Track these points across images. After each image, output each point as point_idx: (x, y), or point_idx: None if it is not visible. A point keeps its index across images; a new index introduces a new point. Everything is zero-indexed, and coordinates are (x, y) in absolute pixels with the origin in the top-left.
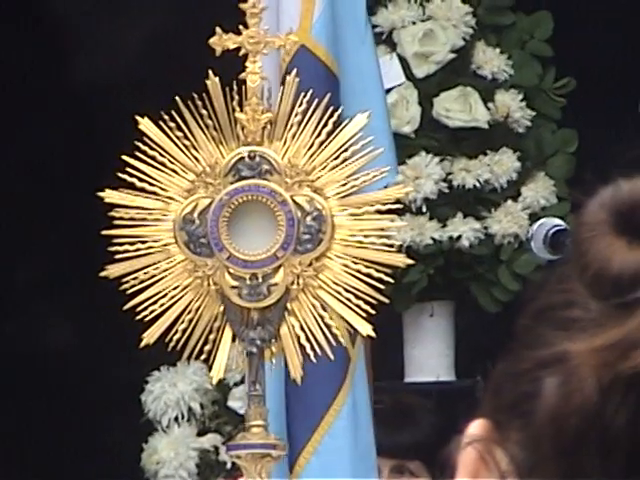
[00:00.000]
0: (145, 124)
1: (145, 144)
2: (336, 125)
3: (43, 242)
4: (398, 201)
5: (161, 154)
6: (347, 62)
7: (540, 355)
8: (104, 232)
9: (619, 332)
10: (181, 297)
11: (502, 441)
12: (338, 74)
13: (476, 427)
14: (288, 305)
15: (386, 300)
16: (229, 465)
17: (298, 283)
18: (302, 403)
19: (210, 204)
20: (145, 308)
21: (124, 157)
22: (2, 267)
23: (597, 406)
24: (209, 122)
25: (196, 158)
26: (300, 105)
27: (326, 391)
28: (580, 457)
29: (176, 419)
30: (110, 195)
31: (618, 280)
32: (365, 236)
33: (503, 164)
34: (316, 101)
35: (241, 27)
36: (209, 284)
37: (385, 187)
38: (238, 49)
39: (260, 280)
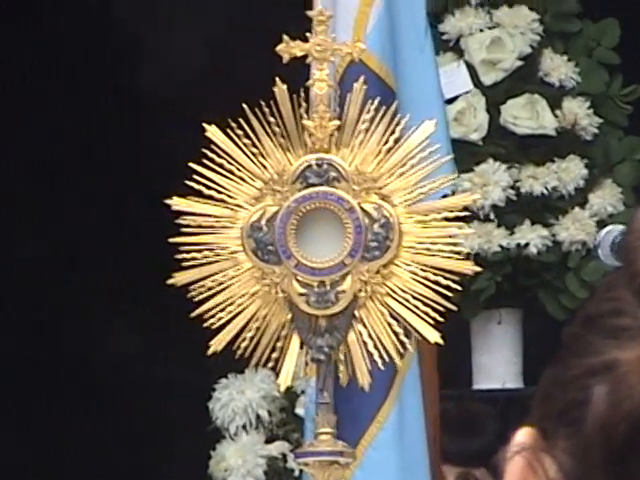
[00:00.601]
0: (213, 132)
1: (213, 152)
2: (402, 133)
3: (110, 249)
4: (466, 208)
5: (229, 162)
6: (405, 71)
7: (589, 363)
8: (172, 240)
9: None
10: (249, 305)
11: (550, 449)
12: (393, 84)
13: (523, 435)
14: (356, 312)
15: (454, 307)
16: (297, 472)
17: (366, 290)
18: (346, 414)
19: (278, 211)
20: (213, 315)
21: (192, 165)
22: (70, 274)
23: None
24: (277, 129)
25: (264, 165)
26: (367, 113)
27: (370, 403)
28: (629, 465)
29: (244, 426)
30: (178, 203)
31: None
32: (433, 243)
33: (570, 171)
34: (383, 109)
35: (308, 35)
36: (277, 292)
37: (446, 195)
38: (305, 57)
39: (328, 287)
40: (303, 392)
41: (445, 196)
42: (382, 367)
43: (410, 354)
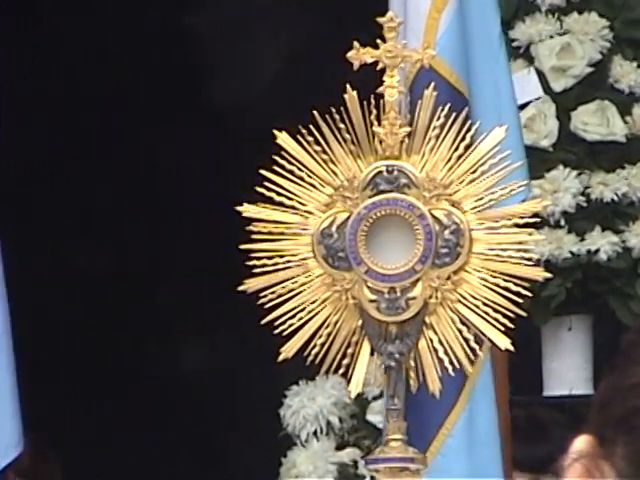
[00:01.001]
0: (283, 138)
1: (283, 158)
2: (472, 139)
3: (182, 257)
4: (536, 215)
5: (299, 168)
6: (479, 79)
7: None
8: (243, 246)
9: None
10: (319, 311)
11: (608, 456)
12: (464, 90)
13: (581, 442)
14: (426, 319)
15: (524, 314)
16: (368, 479)
17: (436, 297)
18: (416, 421)
19: (348, 218)
20: (283, 322)
21: (263, 171)
22: (146, 289)
23: None
24: (347, 136)
25: (334, 172)
26: (438, 119)
27: (439, 410)
28: None
29: (315, 433)
30: (249, 209)
31: None
32: (503, 250)
33: None
34: (454, 115)
35: (378, 41)
36: (347, 298)
37: (525, 200)
38: (376, 63)
39: (398, 294)
40: (374, 398)
41: (524, 201)
42: (452, 374)
43: (480, 360)
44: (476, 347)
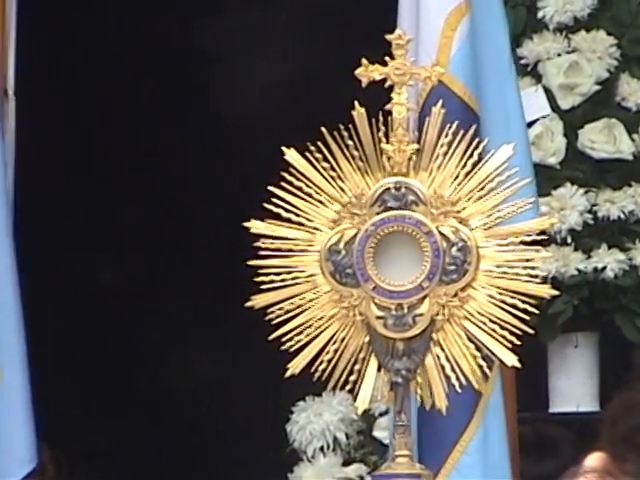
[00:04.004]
0: (291, 155)
1: (292, 175)
2: (480, 157)
3: (189, 275)
4: (543, 232)
5: (307, 185)
6: (489, 97)
7: None
8: (250, 262)
9: None
10: (327, 327)
11: (618, 473)
12: (477, 108)
13: (594, 459)
14: (434, 335)
15: (531, 331)
16: None
17: (444, 314)
18: (430, 438)
19: (356, 235)
20: (291, 338)
21: (271, 188)
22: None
23: None
24: (355, 153)
25: (342, 189)
26: (446, 136)
27: (454, 427)
28: None
29: (321, 449)
30: (256, 226)
31: None
32: (510, 267)
33: None
34: (461, 132)
35: (387, 58)
36: (355, 314)
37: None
38: (384, 81)
39: (406, 310)
40: (381, 415)
41: (532, 219)
42: (459, 390)
43: (493, 378)
44: (483, 364)
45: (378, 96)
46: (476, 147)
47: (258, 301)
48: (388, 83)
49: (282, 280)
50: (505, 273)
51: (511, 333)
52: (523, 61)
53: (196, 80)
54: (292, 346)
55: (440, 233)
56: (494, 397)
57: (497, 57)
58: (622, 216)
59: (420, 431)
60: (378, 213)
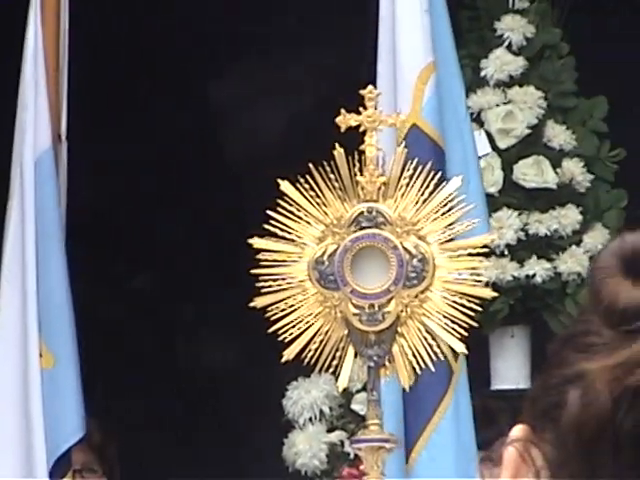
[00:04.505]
0: (285, 186)
1: (285, 201)
2: (437, 186)
3: (205, 282)
4: (485, 246)
5: (298, 209)
6: (451, 137)
7: (565, 373)
8: (253, 271)
9: (626, 353)
10: (314, 323)
11: (538, 442)
12: (443, 145)
13: (518, 430)
14: (398, 329)
15: (476, 324)
16: (352, 456)
17: (406, 311)
18: (414, 408)
19: (337, 249)
20: (285, 331)
21: (269, 212)
22: (173, 305)
23: (610, 413)
24: (336, 184)
25: (325, 212)
26: (408, 170)
27: (433, 398)
28: (597, 454)
29: (310, 419)
30: (257, 242)
31: (624, 312)
32: (460, 274)
33: (568, 217)
34: (420, 167)
35: (361, 108)
36: (336, 312)
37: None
38: (358, 126)
39: (376, 309)
40: (357, 391)
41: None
42: (419, 372)
43: (461, 360)
44: (437, 351)
45: (354, 138)
46: (432, 179)
47: (259, 302)
48: (362, 128)
49: (278, 285)
50: (456, 279)
51: (460, 326)
52: (469, 110)
53: (206, 124)
54: (286, 337)
55: (404, 248)
56: (462, 375)
57: (456, 106)
58: (548, 233)
59: (405, 403)
60: (354, 232)
